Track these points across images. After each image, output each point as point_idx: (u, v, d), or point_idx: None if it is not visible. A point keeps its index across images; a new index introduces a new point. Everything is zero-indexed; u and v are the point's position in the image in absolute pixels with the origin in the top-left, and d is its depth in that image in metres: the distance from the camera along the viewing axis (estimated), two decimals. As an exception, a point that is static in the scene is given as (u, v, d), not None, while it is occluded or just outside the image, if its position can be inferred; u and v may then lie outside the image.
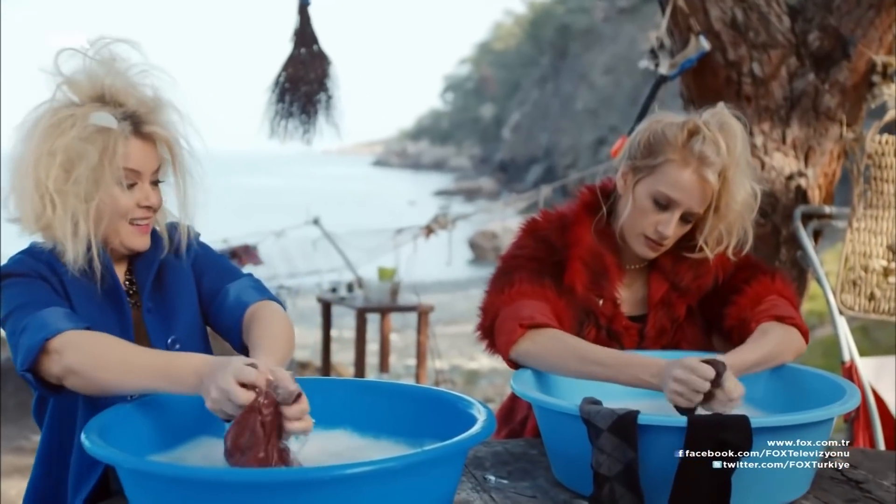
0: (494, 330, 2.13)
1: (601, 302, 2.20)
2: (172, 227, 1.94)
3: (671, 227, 2.15)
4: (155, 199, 1.85)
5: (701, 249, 2.21)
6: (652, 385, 1.88)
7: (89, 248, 1.79)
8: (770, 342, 2.06)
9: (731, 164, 2.10)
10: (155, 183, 1.86)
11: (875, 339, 7.97)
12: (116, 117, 1.77)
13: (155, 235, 1.92)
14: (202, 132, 1.91)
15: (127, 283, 1.92)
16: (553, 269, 2.19)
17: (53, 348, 1.64)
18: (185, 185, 1.89)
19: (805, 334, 2.14)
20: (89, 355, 1.63)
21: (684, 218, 2.16)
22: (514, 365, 2.10)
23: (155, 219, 1.90)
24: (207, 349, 1.96)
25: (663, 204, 2.14)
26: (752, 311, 2.15)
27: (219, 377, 1.51)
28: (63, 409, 1.82)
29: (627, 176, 2.20)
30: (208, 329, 2.00)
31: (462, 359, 9.55)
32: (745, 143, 2.13)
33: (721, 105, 2.16)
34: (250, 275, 2.01)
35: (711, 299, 2.28)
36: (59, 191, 1.75)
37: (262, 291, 1.94)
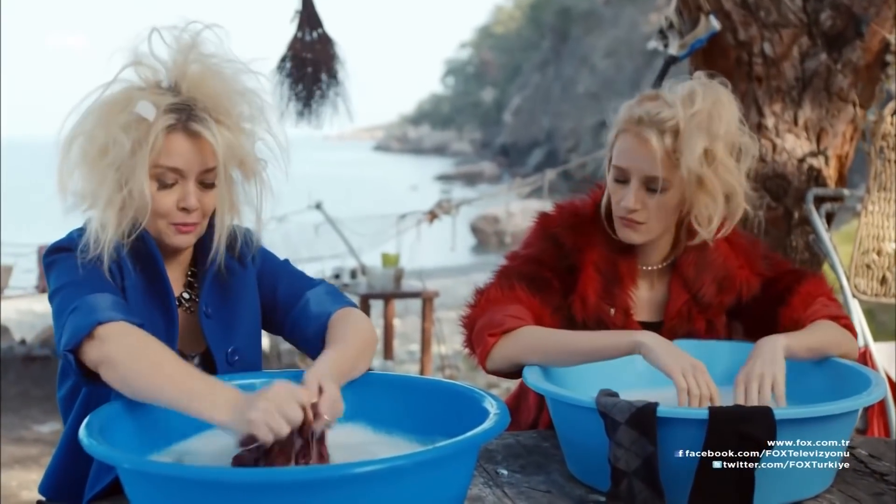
0: (472, 342, 2.08)
1: (612, 311, 2.13)
2: (235, 231, 1.88)
3: (631, 199, 2.04)
4: (194, 201, 1.73)
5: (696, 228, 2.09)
6: (625, 345, 1.88)
7: (130, 235, 1.75)
8: (827, 334, 2.03)
9: (683, 119, 1.97)
10: (207, 185, 1.76)
11: (881, 322, 7.92)
12: (164, 109, 1.69)
13: (214, 235, 1.83)
14: (285, 132, 1.85)
15: (188, 283, 1.88)
16: (558, 273, 2.12)
17: (100, 334, 1.59)
18: (250, 189, 1.83)
19: (855, 336, 2.11)
20: (129, 350, 1.58)
21: (650, 188, 2.04)
22: (500, 374, 2.05)
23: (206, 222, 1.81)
24: (259, 361, 1.93)
25: (621, 179, 2.08)
26: (804, 312, 2.08)
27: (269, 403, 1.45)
28: (95, 400, 1.76)
29: (607, 167, 2.14)
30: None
31: (465, 344, 9.50)
32: (710, 101, 1.98)
33: (698, 73, 2.07)
34: (324, 281, 1.96)
35: (755, 305, 2.18)
36: (96, 173, 1.71)
37: (340, 298, 1.90)
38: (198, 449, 1.63)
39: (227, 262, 1.86)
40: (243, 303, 1.88)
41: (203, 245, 1.85)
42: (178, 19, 1.75)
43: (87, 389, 1.77)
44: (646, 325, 2.16)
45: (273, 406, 1.43)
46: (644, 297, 2.19)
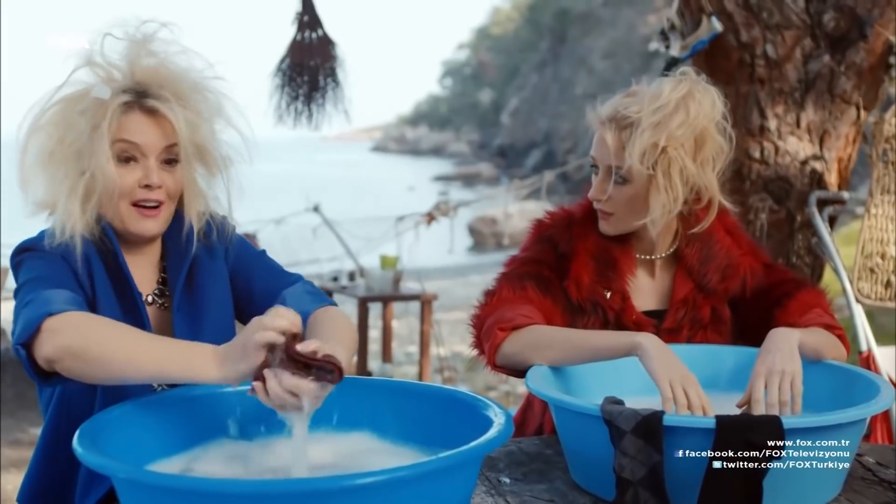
0: (481, 340, 2.09)
1: (608, 294, 2.15)
2: (210, 222, 1.85)
3: (595, 189, 2.13)
4: (157, 178, 1.71)
5: (688, 218, 2.17)
6: (623, 345, 1.89)
7: (95, 227, 1.72)
8: (824, 340, 2.04)
9: (642, 115, 2.03)
10: (170, 163, 1.74)
11: (880, 325, 7.89)
12: (120, 90, 1.69)
13: (185, 227, 1.81)
14: (247, 120, 1.82)
15: (160, 280, 1.84)
16: (556, 270, 2.16)
17: (51, 327, 1.52)
18: (216, 184, 1.81)
19: (847, 348, 2.12)
20: (90, 335, 1.52)
21: (614, 180, 2.09)
22: (507, 371, 2.05)
23: (183, 207, 1.79)
24: None
25: (594, 168, 2.15)
26: (800, 318, 2.10)
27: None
28: (74, 394, 1.73)
29: None
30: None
31: (463, 346, 9.46)
32: (678, 96, 2.03)
33: (684, 69, 2.11)
34: (301, 278, 1.92)
35: (752, 303, 2.21)
36: (55, 162, 1.69)
37: (319, 297, 1.85)
38: (207, 457, 1.61)
39: (196, 252, 1.83)
40: (211, 294, 1.84)
41: (172, 240, 1.82)
42: (136, 18, 1.74)
43: (60, 393, 1.74)
44: (650, 314, 2.19)
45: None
46: (646, 285, 2.22)
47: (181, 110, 1.71)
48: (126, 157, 1.71)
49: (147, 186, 1.72)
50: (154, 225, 1.75)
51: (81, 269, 1.70)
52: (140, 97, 1.71)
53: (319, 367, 1.44)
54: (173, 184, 1.75)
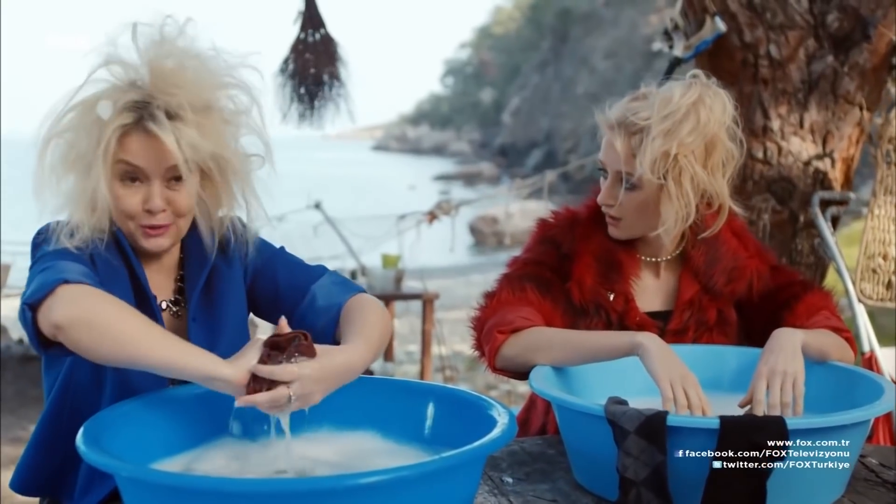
0: (481, 342, 2.09)
1: (612, 296, 2.14)
2: (229, 230, 1.82)
3: (605, 195, 2.11)
4: (159, 202, 1.66)
5: (697, 222, 2.14)
6: (624, 345, 1.89)
7: (104, 237, 1.70)
8: (832, 342, 2.04)
9: (652, 121, 2.00)
10: (175, 181, 1.68)
11: (881, 325, 7.87)
12: (121, 108, 1.63)
13: (205, 235, 1.78)
14: (270, 128, 1.78)
15: (176, 288, 1.82)
16: (558, 271, 2.15)
17: (66, 293, 1.50)
18: (236, 186, 1.77)
19: (855, 352, 2.12)
20: (104, 309, 1.50)
21: (625, 186, 2.07)
22: (507, 373, 2.05)
23: (199, 217, 1.76)
24: None
25: (603, 173, 2.13)
26: (807, 321, 2.10)
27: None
28: (80, 383, 1.71)
29: None
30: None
31: (464, 345, 9.48)
32: (689, 101, 2.00)
33: (694, 71, 2.08)
34: (326, 269, 1.90)
35: (759, 306, 2.21)
36: (67, 169, 1.67)
37: (347, 286, 1.84)
38: (211, 456, 1.61)
39: (214, 260, 1.82)
40: (228, 303, 1.82)
41: (191, 247, 1.80)
42: (156, 15, 1.68)
43: (65, 380, 1.72)
44: (655, 315, 2.18)
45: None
46: (651, 286, 2.21)
47: (183, 128, 1.64)
48: (130, 178, 1.67)
49: (149, 211, 1.68)
50: (163, 241, 1.72)
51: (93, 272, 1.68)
52: (140, 118, 1.64)
53: (288, 342, 1.50)
54: (182, 201, 1.70)
